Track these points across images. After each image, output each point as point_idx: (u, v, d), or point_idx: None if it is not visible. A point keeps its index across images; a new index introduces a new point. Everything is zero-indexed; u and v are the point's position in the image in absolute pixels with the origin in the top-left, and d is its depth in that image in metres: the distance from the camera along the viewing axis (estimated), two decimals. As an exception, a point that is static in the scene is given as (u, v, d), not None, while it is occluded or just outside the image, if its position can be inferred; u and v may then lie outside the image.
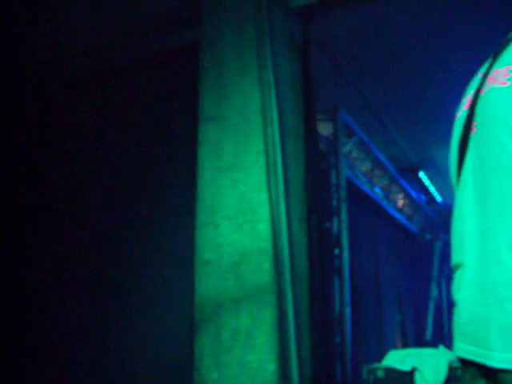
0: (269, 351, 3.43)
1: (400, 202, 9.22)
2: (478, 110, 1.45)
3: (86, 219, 4.87)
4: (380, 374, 4.75)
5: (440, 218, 10.78)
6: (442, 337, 9.76)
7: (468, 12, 4.73)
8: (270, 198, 3.64)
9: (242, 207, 3.69)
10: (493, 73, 1.44)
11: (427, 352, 5.06)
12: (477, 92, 1.48)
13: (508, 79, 1.38)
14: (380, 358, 5.37)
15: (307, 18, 4.35)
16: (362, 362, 5.41)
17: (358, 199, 7.25)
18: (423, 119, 6.85)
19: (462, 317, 1.40)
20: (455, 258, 1.47)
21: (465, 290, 1.40)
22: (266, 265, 3.56)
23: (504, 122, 1.36)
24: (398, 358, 4.85)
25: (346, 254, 6.12)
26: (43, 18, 4.54)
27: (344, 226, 6.19)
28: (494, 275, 1.31)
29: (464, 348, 1.38)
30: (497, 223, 1.34)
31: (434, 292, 10.58)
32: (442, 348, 4.97)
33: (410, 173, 8.55)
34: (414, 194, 9.32)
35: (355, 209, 6.93)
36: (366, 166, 7.62)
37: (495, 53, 1.49)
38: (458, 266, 1.45)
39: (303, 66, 4.27)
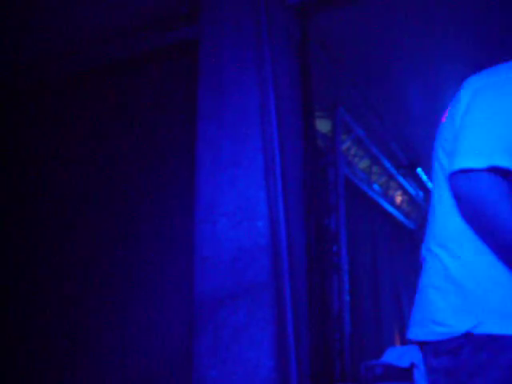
0: (267, 348, 3.44)
1: (398, 199, 9.22)
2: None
3: (84, 217, 4.86)
4: (379, 370, 4.76)
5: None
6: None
7: (465, 11, 4.73)
8: (269, 196, 3.65)
9: (240, 204, 3.70)
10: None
11: (425, 348, 5.06)
12: None
13: (446, 117, 1.72)
14: (379, 355, 5.38)
15: (306, 14, 4.35)
16: (361, 359, 5.42)
17: (357, 196, 7.26)
18: (422, 116, 6.85)
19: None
20: None
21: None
22: (265, 262, 3.57)
23: (436, 150, 1.70)
24: (396, 355, 4.86)
25: (344, 250, 6.13)
26: (37, 13, 4.53)
27: (342, 223, 6.20)
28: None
29: None
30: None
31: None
32: (440, 344, 4.97)
33: (408, 170, 8.54)
34: (412, 191, 9.31)
35: (353, 206, 6.93)
36: (364, 163, 7.63)
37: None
38: None
39: (302, 64, 4.27)
